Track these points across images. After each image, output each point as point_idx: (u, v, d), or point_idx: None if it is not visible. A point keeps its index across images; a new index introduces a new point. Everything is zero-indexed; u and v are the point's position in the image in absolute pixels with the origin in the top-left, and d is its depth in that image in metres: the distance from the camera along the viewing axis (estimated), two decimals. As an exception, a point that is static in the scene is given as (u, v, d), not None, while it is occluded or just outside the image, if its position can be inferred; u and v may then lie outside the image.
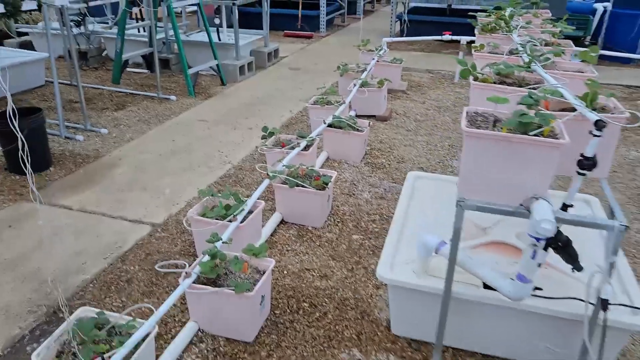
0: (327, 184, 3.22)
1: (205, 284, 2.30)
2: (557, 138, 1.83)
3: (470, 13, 4.15)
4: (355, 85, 5.03)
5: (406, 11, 8.76)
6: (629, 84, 6.43)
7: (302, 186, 3.19)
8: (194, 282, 2.28)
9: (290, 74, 6.93)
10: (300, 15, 9.54)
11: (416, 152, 4.48)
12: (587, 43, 7.75)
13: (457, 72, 6.63)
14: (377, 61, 5.87)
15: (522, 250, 2.46)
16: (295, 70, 7.15)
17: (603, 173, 2.13)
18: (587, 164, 1.94)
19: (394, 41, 6.92)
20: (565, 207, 2.06)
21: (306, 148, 3.76)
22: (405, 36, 8.45)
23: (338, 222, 3.38)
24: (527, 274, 1.85)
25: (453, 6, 9.25)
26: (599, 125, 1.89)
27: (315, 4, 9.71)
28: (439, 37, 6.51)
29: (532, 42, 3.18)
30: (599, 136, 1.91)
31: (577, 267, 2.02)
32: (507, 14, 4.18)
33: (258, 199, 3.00)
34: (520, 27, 3.62)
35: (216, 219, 2.80)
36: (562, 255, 2.01)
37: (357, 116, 5.21)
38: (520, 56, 2.93)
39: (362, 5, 11.91)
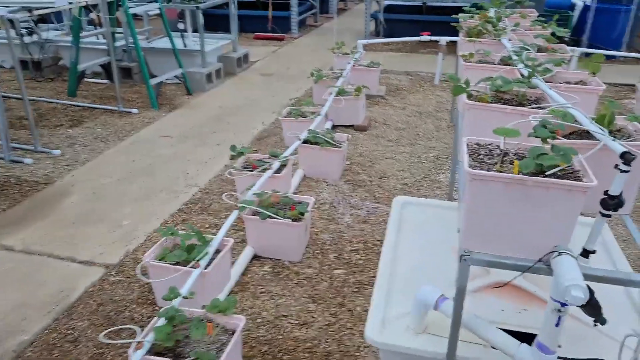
0: (303, 214, 2.86)
1: (161, 354, 1.93)
2: (578, 176, 1.51)
3: (454, 16, 3.83)
4: (331, 94, 4.67)
5: (382, 10, 8.43)
6: (615, 81, 6.21)
7: (276, 218, 2.82)
8: (147, 353, 1.90)
9: (261, 81, 6.54)
10: (270, 17, 9.14)
11: (399, 166, 4.15)
12: (567, 40, 7.52)
13: (437, 74, 6.34)
14: (353, 65, 5.52)
15: (530, 293, 2.15)
16: (267, 76, 6.76)
17: (626, 209, 1.82)
18: (612, 203, 1.62)
19: (370, 43, 6.57)
20: (586, 253, 1.74)
21: (280, 169, 3.40)
22: (382, 37, 8.13)
23: (318, 253, 3.02)
24: (550, 345, 1.53)
25: (428, 4, 8.95)
26: (627, 158, 1.57)
27: (286, 4, 9.31)
28: (417, 38, 6.20)
29: (526, 48, 2.87)
30: (626, 171, 1.59)
31: (601, 321, 1.70)
32: (491, 14, 3.88)
33: (228, 231, 2.62)
34: (510, 30, 3.31)
35: (177, 264, 2.42)
36: (585, 309, 1.69)
37: (334, 126, 4.87)
38: (515, 66, 2.62)
39: (335, 4, 11.55)
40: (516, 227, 1.53)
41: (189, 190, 3.75)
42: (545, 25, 3.67)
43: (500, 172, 1.52)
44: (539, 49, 3.03)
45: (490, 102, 2.09)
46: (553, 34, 3.29)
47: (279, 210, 2.89)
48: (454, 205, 2.85)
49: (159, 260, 2.47)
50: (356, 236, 3.20)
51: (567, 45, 3.20)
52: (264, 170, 3.32)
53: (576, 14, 7.54)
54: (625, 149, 1.58)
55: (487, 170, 1.54)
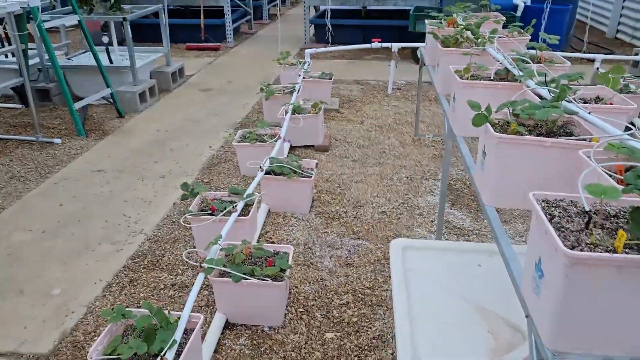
0: (284, 271, 2.36)
1: None
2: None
3: (428, 20, 3.47)
4: (287, 112, 4.18)
5: (329, 17, 8.01)
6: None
7: (252, 279, 2.31)
8: None
9: (202, 97, 5.94)
10: (202, 25, 8.50)
11: (372, 191, 3.73)
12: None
13: (390, 83, 6.00)
14: (304, 78, 5.06)
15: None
16: (207, 91, 6.16)
17: None
18: None
19: (319, 52, 6.14)
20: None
21: (244, 209, 2.88)
22: (327, 44, 7.73)
23: (302, 313, 2.53)
24: None
25: (368, 7, 8.65)
26: None
27: (219, 11, 8.71)
28: (368, 45, 5.83)
29: (524, 60, 2.53)
30: None
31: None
32: (460, 20, 3.56)
33: (196, 301, 2.08)
34: (496, 38, 2.97)
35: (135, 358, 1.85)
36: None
37: (292, 147, 4.39)
38: (520, 80, 2.26)
39: (279, 8, 11.04)
40: (632, 323, 1.12)
41: (134, 240, 3.15)
42: (523, 32, 3.38)
43: (597, 245, 1.12)
44: (532, 59, 2.70)
45: (525, 134, 1.69)
46: (544, 41, 2.98)
47: (253, 266, 2.38)
48: (460, 247, 2.46)
49: (109, 356, 1.89)
50: (342, 284, 2.73)
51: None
52: (227, 213, 2.79)
53: (519, 13, 7.47)
54: None
55: (578, 244, 1.13)
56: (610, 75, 2.13)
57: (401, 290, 2.15)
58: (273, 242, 3.09)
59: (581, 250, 1.11)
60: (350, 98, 5.84)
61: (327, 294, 2.66)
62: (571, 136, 1.74)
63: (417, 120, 4.76)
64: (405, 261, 2.31)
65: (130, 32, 5.34)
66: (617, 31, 8.81)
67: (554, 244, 1.11)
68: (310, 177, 3.31)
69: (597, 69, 5.38)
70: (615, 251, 1.11)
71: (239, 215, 2.81)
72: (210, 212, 2.88)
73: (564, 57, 5.61)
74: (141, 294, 2.65)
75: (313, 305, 2.58)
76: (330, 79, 5.27)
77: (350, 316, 2.51)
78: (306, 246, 3.06)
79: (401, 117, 5.24)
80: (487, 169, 1.79)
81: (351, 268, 2.86)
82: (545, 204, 1.30)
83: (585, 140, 1.65)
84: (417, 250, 2.39)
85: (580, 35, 7.67)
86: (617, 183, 1.37)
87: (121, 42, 6.03)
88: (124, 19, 5.30)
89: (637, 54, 5.76)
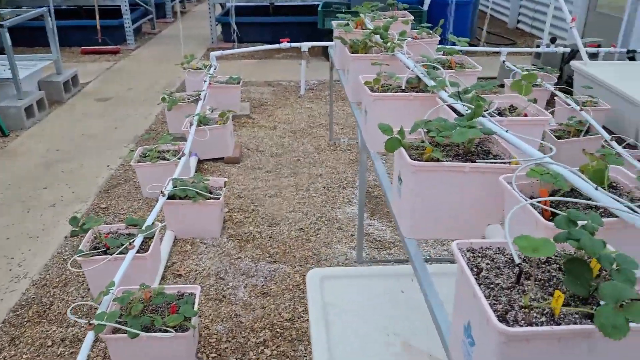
0: (190, 319, 2.08)
1: None
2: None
3: (334, 23, 3.27)
4: (191, 124, 3.86)
5: (233, 15, 7.65)
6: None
7: (152, 333, 2.02)
8: None
9: (99, 108, 5.43)
10: (99, 27, 7.87)
11: (287, 205, 3.51)
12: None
13: (302, 84, 5.79)
14: (210, 83, 4.74)
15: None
16: (104, 101, 5.65)
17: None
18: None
19: (224, 55, 5.79)
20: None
21: (144, 242, 2.56)
22: (237, 46, 7.39)
23: (214, 358, 2.27)
24: None
25: (276, 3, 8.39)
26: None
27: (117, 11, 8.10)
28: (276, 46, 5.59)
29: (435, 67, 2.40)
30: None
31: None
32: (368, 21, 3.41)
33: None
34: (406, 42, 2.83)
35: None
36: None
37: (200, 161, 4.07)
38: (434, 92, 2.12)
39: (183, 5, 10.46)
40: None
41: (16, 287, 2.73)
42: (431, 33, 3.28)
43: (532, 308, 0.96)
44: (442, 65, 2.59)
45: (442, 160, 1.53)
46: (453, 44, 2.88)
47: (154, 315, 2.08)
48: (381, 273, 2.30)
49: None
50: (258, 318, 2.50)
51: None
52: (124, 250, 2.46)
53: (425, 7, 7.52)
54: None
55: (511, 307, 0.97)
56: (523, 83, 2.02)
57: (320, 329, 1.95)
58: (180, 275, 2.80)
59: (515, 317, 0.96)
60: (261, 101, 5.58)
61: (242, 332, 2.42)
62: (489, 155, 1.62)
63: (331, 123, 4.60)
64: (323, 294, 2.11)
65: (9, 40, 4.75)
66: (518, 21, 9.14)
67: (485, 315, 0.93)
68: (219, 198, 3.03)
69: (503, 61, 5.47)
70: (552, 314, 0.96)
71: (138, 251, 2.49)
72: (104, 249, 2.54)
73: (472, 50, 5.58)
74: (24, 356, 2.28)
75: (227, 348, 2.33)
76: (239, 83, 4.99)
77: (269, 357, 2.28)
78: (218, 276, 2.79)
79: (315, 119, 5.06)
80: (404, 197, 1.63)
81: (268, 298, 2.63)
82: (471, 254, 1.13)
83: (505, 163, 1.52)
84: (336, 280, 2.20)
85: (483, 26, 7.86)
86: (543, 215, 1.24)
87: (1, 50, 5.39)
88: (1, 25, 4.70)
89: (538, 46, 5.93)
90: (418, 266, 1.54)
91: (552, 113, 4.54)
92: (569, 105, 4.09)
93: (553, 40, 5.74)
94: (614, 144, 3.61)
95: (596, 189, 1.29)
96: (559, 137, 3.80)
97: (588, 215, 1.11)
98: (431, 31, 3.30)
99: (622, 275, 0.96)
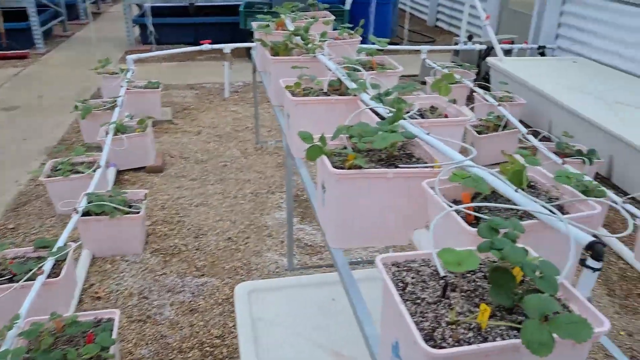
0: (107, 348, 1.93)
1: None
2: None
3: (254, 26, 3.18)
4: (107, 133, 3.63)
5: (150, 17, 7.33)
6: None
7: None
8: None
9: (5, 119, 5.02)
10: (2, 30, 7.30)
11: (215, 214, 3.38)
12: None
13: (226, 86, 5.64)
14: (127, 89, 4.50)
15: None
16: (11, 111, 5.23)
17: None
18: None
19: (143, 58, 5.53)
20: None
21: (56, 266, 2.36)
22: (155, 48, 7.09)
23: (139, 385, 2.13)
24: None
25: (197, 3, 8.14)
26: (597, 251, 1.13)
27: (22, 13, 7.54)
28: (197, 48, 5.40)
29: (356, 68, 2.37)
30: (598, 269, 1.15)
31: None
32: (288, 22, 3.35)
33: None
34: (327, 43, 2.78)
35: None
36: None
37: (120, 172, 3.85)
38: (356, 95, 2.09)
39: (86, 8, 9.92)
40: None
41: None
42: (353, 33, 3.26)
43: (459, 324, 0.93)
44: (363, 66, 2.56)
45: (365, 167, 1.49)
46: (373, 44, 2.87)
47: (66, 347, 1.91)
48: (312, 281, 2.24)
49: None
50: (186, 338, 2.37)
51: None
52: (32, 277, 2.25)
53: (347, 5, 7.55)
54: (592, 238, 1.13)
55: (438, 324, 0.94)
56: (442, 83, 2.03)
57: (249, 347, 1.87)
58: (99, 298, 2.61)
59: (442, 334, 0.92)
60: (184, 106, 5.38)
61: (170, 354, 2.28)
62: (413, 158, 1.60)
63: (258, 125, 4.50)
64: (252, 309, 2.03)
65: None
66: (437, 19, 9.41)
67: (411, 336, 0.89)
68: (139, 211, 2.86)
69: (424, 59, 5.58)
70: (479, 328, 0.93)
71: (49, 276, 2.30)
72: (10, 277, 2.32)
73: (394, 49, 5.63)
74: None
75: (153, 372, 2.19)
76: (158, 87, 4.78)
77: (199, 378, 2.17)
78: (141, 295, 2.63)
79: (241, 122, 4.94)
80: (329, 206, 1.57)
81: (196, 315, 2.51)
82: (396, 269, 1.09)
83: (428, 167, 1.50)
84: (265, 293, 2.12)
85: (405, 25, 8.01)
86: (466, 221, 1.22)
87: None
88: None
89: (456, 43, 6.10)
90: (346, 279, 1.49)
91: (472, 109, 4.68)
92: (487, 101, 4.22)
93: (470, 37, 5.93)
94: (531, 137, 3.76)
95: (516, 191, 1.30)
96: (479, 133, 3.91)
97: (509, 221, 1.10)
98: (352, 31, 3.28)
99: (544, 282, 0.95)
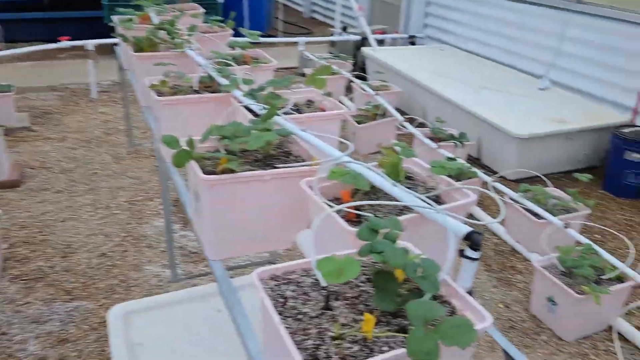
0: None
1: None
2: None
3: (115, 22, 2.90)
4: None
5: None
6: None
7: None
8: None
9: None
10: None
11: (85, 228, 3.07)
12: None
13: (92, 86, 5.20)
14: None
15: None
16: None
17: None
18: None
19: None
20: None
21: None
22: (5, 47, 6.33)
23: None
24: None
25: (52, -3, 7.43)
26: (475, 241, 1.12)
27: None
28: (56, 45, 4.90)
29: (228, 63, 2.24)
30: (475, 259, 1.14)
31: None
32: (153, 16, 3.12)
33: None
34: (196, 37, 2.61)
35: None
36: None
37: (-33, 190, 3.37)
38: (229, 92, 1.96)
39: None
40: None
41: None
42: (223, 26, 3.11)
43: (344, 339, 0.86)
44: (236, 60, 2.44)
45: (238, 171, 1.38)
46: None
47: None
48: (194, 294, 2.09)
49: None
50: (57, 372, 2.11)
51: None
52: None
53: (221, 1, 7.32)
54: (469, 229, 1.12)
55: (323, 341, 0.86)
56: (317, 76, 1.96)
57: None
58: (-54, 340, 2.24)
59: (327, 352, 0.85)
60: (45, 110, 4.86)
61: (38, 394, 2.02)
62: (290, 156, 1.51)
63: (130, 127, 4.18)
64: (129, 334, 1.83)
65: None
66: (312, 11, 9.47)
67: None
68: (-9, 235, 2.50)
69: (302, 51, 5.56)
70: (365, 339, 0.87)
71: None
72: None
73: (269, 42, 5.53)
74: None
75: (17, 419, 1.92)
76: (11, 91, 4.26)
77: (74, 417, 1.93)
78: (-1, 331, 2.30)
79: (112, 125, 4.57)
80: (204, 216, 1.44)
81: (68, 345, 2.24)
82: (275, 283, 1.00)
83: (305, 165, 1.42)
84: (144, 313, 1.93)
85: (281, 17, 7.96)
86: (348, 219, 1.17)
87: None
88: None
89: (332, 35, 6.16)
90: (227, 294, 1.37)
91: (351, 99, 4.75)
92: (365, 90, 4.28)
93: (344, 28, 6.01)
94: (407, 124, 3.87)
95: (394, 185, 1.26)
96: (359, 123, 3.96)
97: (389, 220, 1.05)
98: (223, 24, 3.14)
99: (426, 283, 0.91)
